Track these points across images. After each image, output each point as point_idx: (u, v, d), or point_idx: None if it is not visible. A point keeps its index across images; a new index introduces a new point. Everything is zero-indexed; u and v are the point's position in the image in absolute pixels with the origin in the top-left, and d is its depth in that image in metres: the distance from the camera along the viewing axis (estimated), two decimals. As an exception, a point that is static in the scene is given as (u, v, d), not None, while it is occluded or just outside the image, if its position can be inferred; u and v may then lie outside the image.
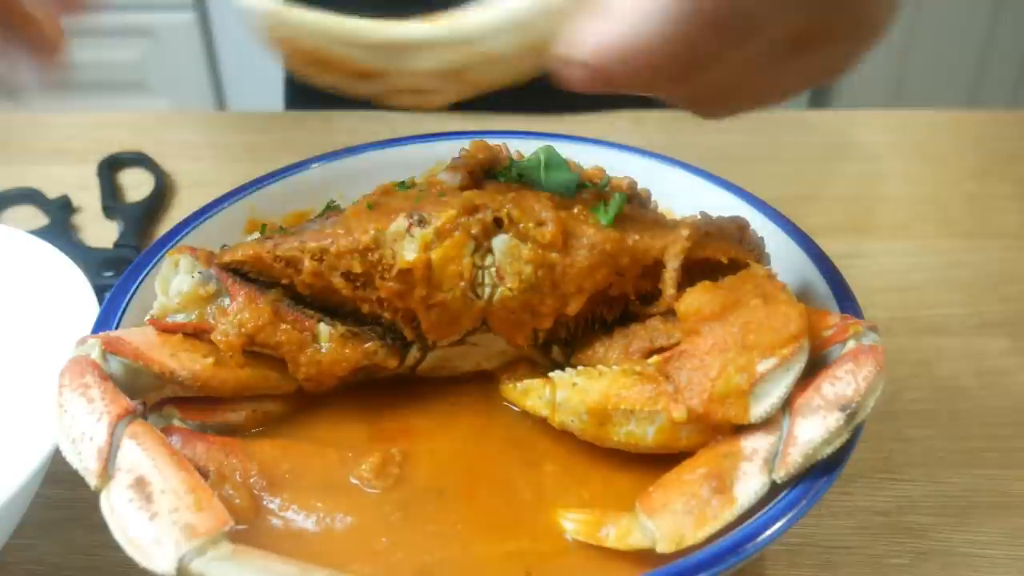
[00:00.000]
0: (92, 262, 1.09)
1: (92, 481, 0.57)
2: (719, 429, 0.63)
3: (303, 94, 1.74)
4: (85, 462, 0.57)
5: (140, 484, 0.56)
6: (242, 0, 0.53)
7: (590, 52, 0.53)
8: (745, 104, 0.63)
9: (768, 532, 0.57)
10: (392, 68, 0.57)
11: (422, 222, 0.67)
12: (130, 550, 0.53)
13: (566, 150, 0.86)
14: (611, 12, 0.53)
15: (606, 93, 0.56)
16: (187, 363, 0.67)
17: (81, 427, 0.59)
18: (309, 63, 0.57)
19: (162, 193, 1.27)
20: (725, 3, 0.52)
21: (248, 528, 0.63)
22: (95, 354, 0.64)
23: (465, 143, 0.93)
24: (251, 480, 0.65)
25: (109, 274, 1.08)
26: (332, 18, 0.56)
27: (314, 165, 0.96)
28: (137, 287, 0.77)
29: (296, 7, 0.55)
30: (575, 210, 0.69)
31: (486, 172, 0.76)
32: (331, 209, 0.81)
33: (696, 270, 0.70)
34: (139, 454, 0.58)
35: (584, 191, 0.74)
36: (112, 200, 1.25)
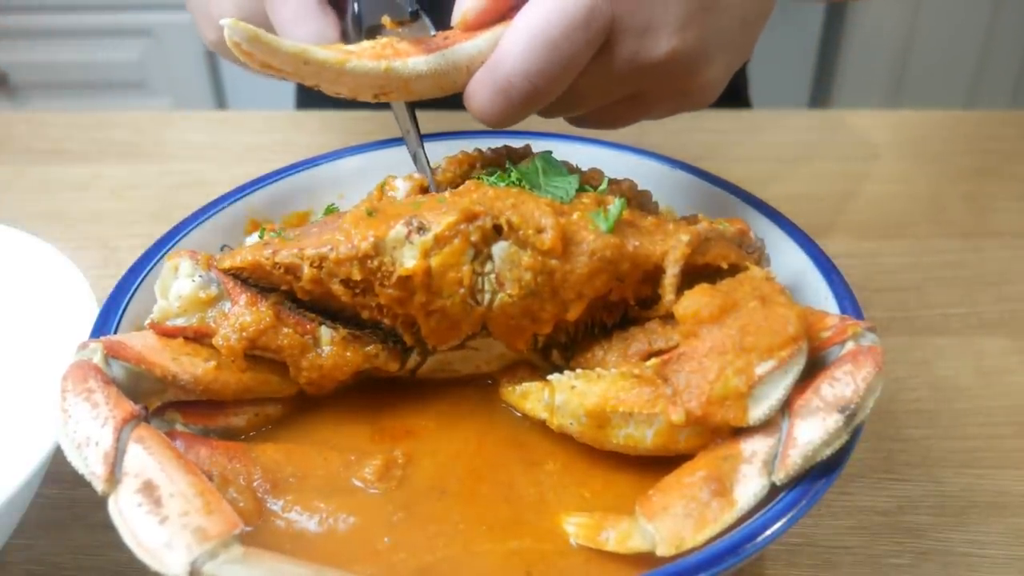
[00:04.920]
0: None
1: (99, 486, 0.57)
2: (718, 431, 0.63)
3: (312, 94, 1.74)
4: (91, 467, 0.57)
5: (148, 488, 0.56)
6: (223, 20, 0.63)
7: (478, 104, 0.71)
8: (618, 124, 0.82)
9: (767, 532, 0.57)
10: (333, 82, 0.69)
11: (422, 229, 0.67)
12: (140, 554, 0.54)
13: (565, 150, 0.87)
14: (490, 65, 0.70)
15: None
16: (189, 367, 0.67)
17: (86, 432, 0.59)
18: (265, 68, 0.67)
19: None
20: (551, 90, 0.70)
21: (252, 531, 0.63)
22: (97, 358, 0.64)
23: (465, 143, 0.94)
24: (254, 483, 0.65)
25: None
26: (292, 45, 0.66)
27: (314, 165, 0.96)
28: (136, 289, 0.77)
29: (266, 33, 0.65)
30: (575, 216, 0.69)
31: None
32: (331, 213, 0.81)
33: (695, 274, 0.70)
34: (146, 458, 0.58)
35: (584, 194, 0.74)
36: None
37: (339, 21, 0.78)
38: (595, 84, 0.73)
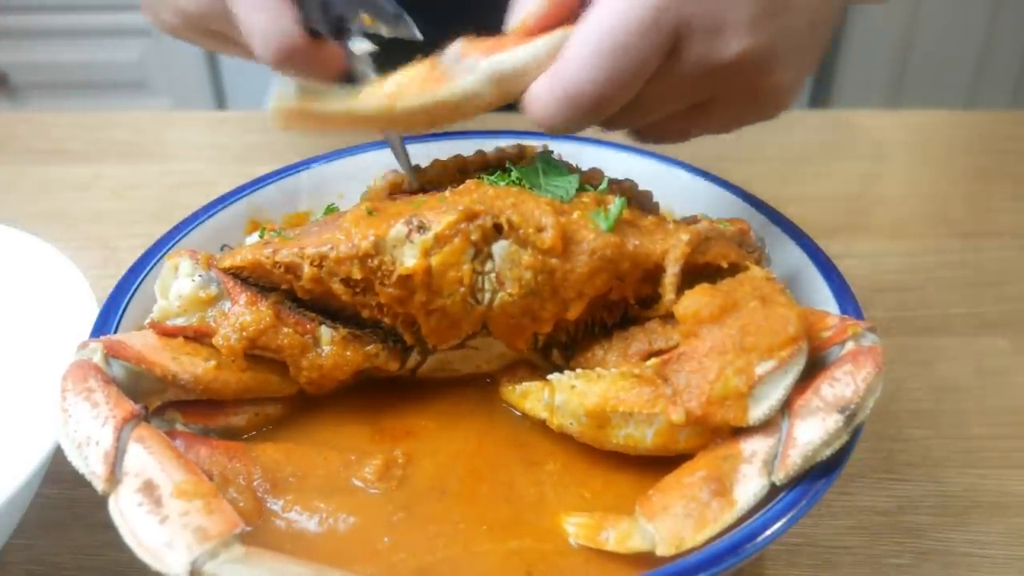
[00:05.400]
0: None
1: (99, 486, 0.57)
2: (718, 431, 0.63)
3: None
4: (91, 467, 0.58)
5: (149, 488, 0.56)
6: (271, 102, 0.65)
7: (541, 110, 0.68)
8: (681, 137, 0.78)
9: (767, 532, 0.57)
10: (384, 125, 0.70)
11: (422, 228, 0.67)
12: (141, 553, 0.54)
13: (565, 150, 0.87)
14: (557, 70, 0.67)
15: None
16: (189, 366, 0.67)
17: (86, 431, 0.59)
18: (313, 131, 0.69)
19: None
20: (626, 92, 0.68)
21: (252, 531, 0.63)
22: (97, 358, 0.64)
23: (466, 143, 0.94)
24: (254, 483, 0.65)
25: None
26: (337, 107, 0.67)
27: (314, 165, 0.96)
28: (136, 289, 0.77)
29: (314, 95, 0.66)
30: (575, 215, 0.69)
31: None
32: (331, 212, 0.81)
33: (696, 274, 0.70)
34: (146, 458, 0.58)
35: (584, 194, 0.74)
36: None
37: (297, 10, 0.76)
38: (663, 90, 0.70)
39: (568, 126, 0.69)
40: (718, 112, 0.75)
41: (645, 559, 0.60)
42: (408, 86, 0.68)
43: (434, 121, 0.69)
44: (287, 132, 0.70)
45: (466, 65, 0.68)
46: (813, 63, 0.76)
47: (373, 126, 0.68)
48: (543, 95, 0.68)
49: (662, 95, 0.71)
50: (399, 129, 0.69)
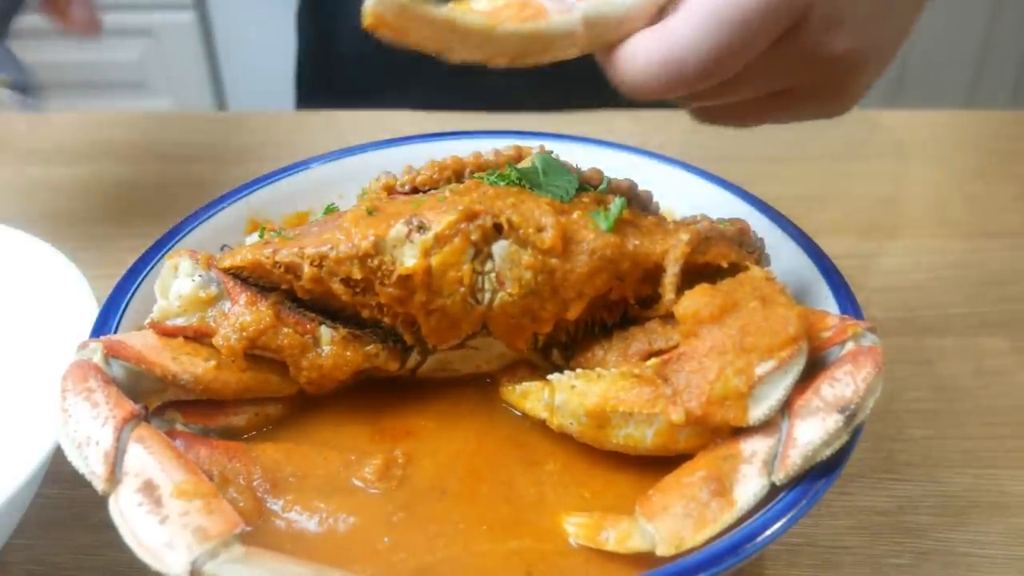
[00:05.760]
0: None
1: (99, 486, 0.57)
2: (718, 431, 0.63)
3: (313, 88, 1.75)
4: (91, 467, 0.58)
5: (149, 488, 0.56)
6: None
7: (639, 69, 0.64)
8: (753, 122, 0.77)
9: (767, 532, 0.57)
10: (473, 47, 0.65)
11: (422, 228, 0.67)
12: (141, 553, 0.54)
13: (565, 150, 0.86)
14: (667, 31, 0.63)
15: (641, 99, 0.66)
16: (189, 366, 0.67)
17: (86, 431, 0.59)
18: (399, 38, 0.63)
19: None
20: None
21: (252, 531, 0.63)
22: (97, 358, 0.64)
23: (465, 143, 0.94)
24: (254, 483, 0.65)
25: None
26: (440, 14, 0.63)
27: (314, 165, 0.96)
28: (136, 289, 0.77)
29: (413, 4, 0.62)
30: (575, 215, 0.69)
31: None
32: (331, 212, 0.81)
33: (695, 274, 0.70)
34: (146, 458, 0.58)
35: (583, 194, 0.74)
36: None
37: None
38: (762, 71, 0.67)
39: (658, 93, 0.64)
40: (797, 103, 0.73)
41: (645, 559, 0.60)
42: (503, 11, 0.65)
43: (525, 54, 0.66)
44: (373, 32, 0.64)
45: (564, 4, 0.65)
46: (886, 69, 0.75)
47: (468, 43, 0.64)
48: (641, 54, 0.64)
49: (758, 75, 0.68)
50: (487, 52, 0.65)
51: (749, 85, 0.69)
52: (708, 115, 0.76)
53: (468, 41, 0.64)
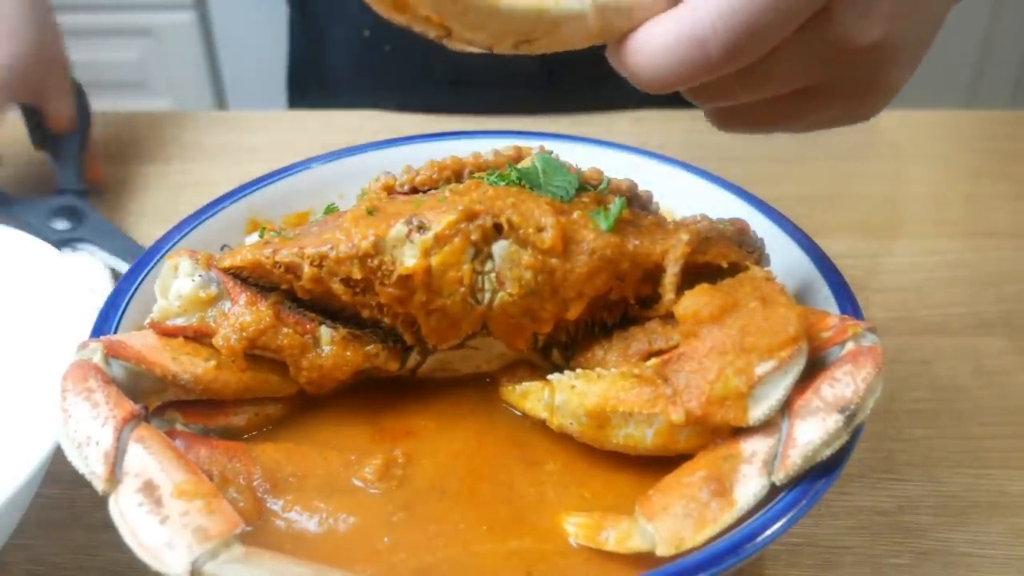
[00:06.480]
0: (40, 214, 1.05)
1: (99, 486, 0.57)
2: (718, 432, 0.63)
3: (304, 93, 1.75)
4: (91, 467, 0.57)
5: (149, 488, 0.56)
6: None
7: (653, 52, 0.59)
8: (775, 125, 0.73)
9: (767, 532, 0.57)
10: (476, 25, 0.61)
11: (422, 228, 0.67)
12: (141, 553, 0.54)
13: (565, 150, 0.86)
14: (686, 9, 0.59)
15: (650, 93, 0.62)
16: (189, 366, 0.67)
17: (86, 431, 0.59)
18: (397, 8, 0.60)
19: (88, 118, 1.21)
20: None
21: (252, 531, 0.63)
22: (97, 358, 0.64)
23: (465, 143, 0.94)
24: (254, 483, 0.65)
25: (64, 226, 1.04)
26: None
27: (314, 165, 0.96)
28: (136, 289, 0.77)
29: None
30: (575, 215, 0.69)
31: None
32: (331, 212, 0.81)
33: (695, 274, 0.70)
34: (146, 458, 0.58)
35: (583, 194, 0.74)
36: (41, 138, 1.16)
37: None
38: (788, 63, 0.64)
39: (675, 79, 0.60)
40: (824, 102, 0.69)
41: (645, 559, 0.60)
42: None
43: (531, 34, 0.62)
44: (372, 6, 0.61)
45: None
46: (916, 67, 0.71)
47: (470, 18, 0.60)
48: (657, 36, 0.60)
49: (779, 71, 0.64)
50: (484, 35, 0.61)
51: (774, 80, 0.65)
52: (729, 119, 0.73)
53: (470, 16, 0.60)
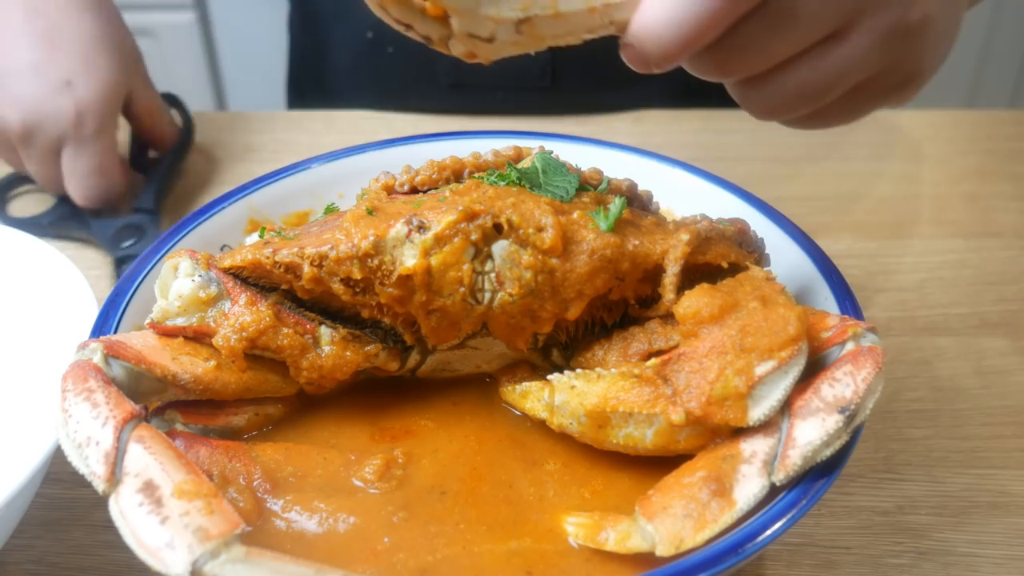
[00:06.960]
0: (111, 232, 1.09)
1: (100, 486, 0.57)
2: (718, 432, 0.63)
3: (303, 94, 1.74)
4: (92, 467, 0.58)
5: (149, 488, 0.56)
6: None
7: (660, 14, 0.57)
8: (835, 121, 0.70)
9: (767, 532, 0.58)
10: (470, 8, 0.60)
11: (422, 228, 0.67)
12: (141, 554, 0.54)
13: (565, 151, 0.86)
14: None
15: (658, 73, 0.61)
16: (189, 367, 0.67)
17: (87, 432, 0.59)
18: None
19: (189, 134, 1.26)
20: None
21: (252, 531, 0.63)
22: (97, 358, 0.64)
23: (464, 143, 0.94)
24: (254, 483, 0.65)
25: (128, 243, 1.07)
26: None
27: (314, 165, 0.96)
28: (136, 289, 0.77)
29: None
30: (575, 215, 0.69)
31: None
32: (331, 212, 0.81)
33: (696, 274, 0.70)
34: (147, 458, 0.58)
35: (583, 194, 0.74)
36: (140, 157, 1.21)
37: None
38: (841, 63, 0.63)
39: (687, 40, 0.58)
40: (876, 91, 0.68)
41: (645, 559, 0.60)
42: None
43: (533, 23, 0.61)
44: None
45: None
46: (951, 48, 0.71)
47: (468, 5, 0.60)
48: (657, 2, 0.58)
49: (843, 69, 0.63)
50: (493, 16, 0.60)
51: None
52: (802, 121, 0.71)
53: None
